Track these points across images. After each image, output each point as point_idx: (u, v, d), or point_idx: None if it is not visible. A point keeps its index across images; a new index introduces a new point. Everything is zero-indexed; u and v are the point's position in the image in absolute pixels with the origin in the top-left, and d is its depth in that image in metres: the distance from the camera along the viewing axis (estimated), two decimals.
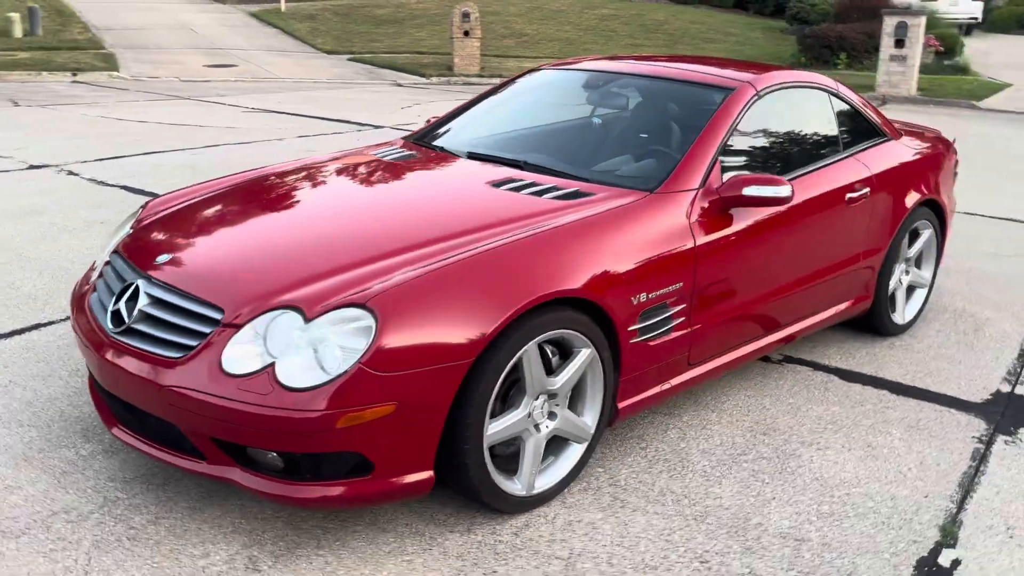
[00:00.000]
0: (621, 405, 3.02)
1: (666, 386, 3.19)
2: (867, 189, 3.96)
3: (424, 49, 21.01)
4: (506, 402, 2.70)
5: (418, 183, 3.37)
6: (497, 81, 17.25)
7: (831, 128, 4.03)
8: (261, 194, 3.29)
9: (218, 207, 3.17)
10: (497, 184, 3.23)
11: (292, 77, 16.65)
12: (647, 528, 2.73)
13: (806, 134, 3.93)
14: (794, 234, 3.57)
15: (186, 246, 2.86)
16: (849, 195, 3.86)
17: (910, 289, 4.59)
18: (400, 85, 16.50)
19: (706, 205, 3.21)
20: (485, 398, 2.50)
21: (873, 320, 4.34)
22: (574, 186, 3.20)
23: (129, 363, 2.56)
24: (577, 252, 2.76)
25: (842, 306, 4.05)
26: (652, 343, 3.03)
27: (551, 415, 2.79)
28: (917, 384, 3.91)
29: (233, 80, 15.97)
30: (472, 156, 3.60)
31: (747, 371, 3.95)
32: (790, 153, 3.79)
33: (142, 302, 2.65)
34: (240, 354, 2.40)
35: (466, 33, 17.56)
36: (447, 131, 4.00)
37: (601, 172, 3.40)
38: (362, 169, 3.52)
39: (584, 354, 2.79)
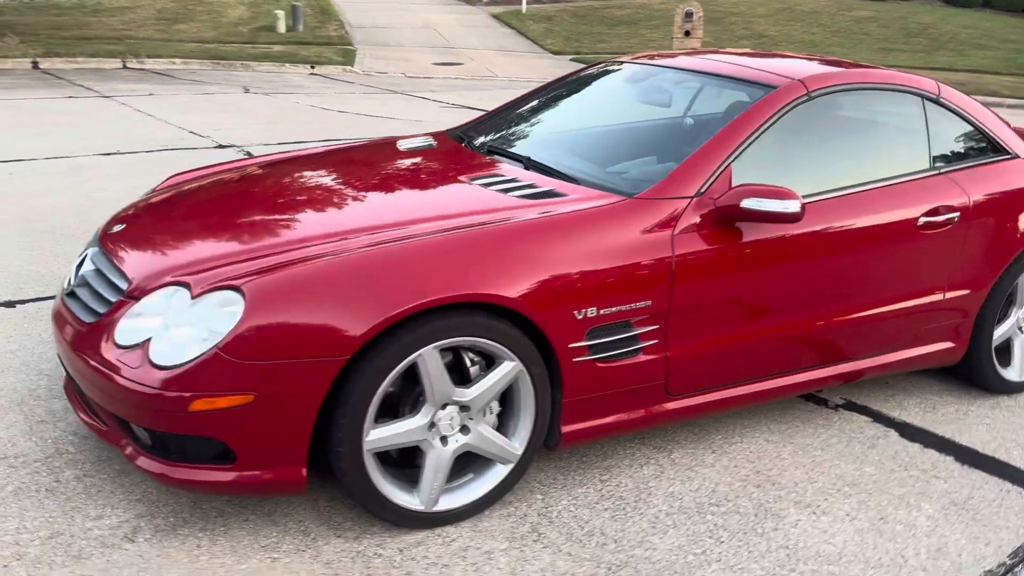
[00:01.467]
0: (565, 430, 2.74)
1: (633, 416, 2.85)
2: (955, 215, 3.31)
3: (650, 50, 20.65)
4: (415, 408, 2.53)
5: (395, 174, 3.26)
6: None
7: (919, 140, 3.40)
8: (252, 176, 3.32)
9: (205, 186, 3.25)
10: (474, 178, 3.04)
11: (509, 76, 17.03)
12: (546, 569, 2.45)
13: (876, 144, 3.35)
14: (825, 258, 3.05)
15: (144, 221, 2.96)
16: (925, 219, 3.24)
17: None
18: None
19: (699, 218, 2.83)
20: (363, 400, 2.35)
21: (970, 373, 3.64)
22: (553, 185, 2.94)
23: (61, 324, 2.68)
24: (505, 254, 2.52)
25: (915, 351, 3.42)
26: (607, 364, 2.71)
27: (464, 429, 2.58)
28: (998, 455, 3.22)
29: (453, 78, 16.60)
30: (491, 150, 3.43)
31: (785, 412, 3.45)
32: (844, 165, 3.23)
33: (85, 267, 2.78)
34: (130, 326, 2.43)
35: (687, 33, 17.04)
36: (492, 123, 3.84)
37: (598, 173, 3.09)
38: (360, 157, 3.46)
39: (506, 367, 2.55)
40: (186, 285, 2.43)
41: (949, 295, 3.40)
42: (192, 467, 2.38)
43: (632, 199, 2.81)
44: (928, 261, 3.30)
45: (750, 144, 2.99)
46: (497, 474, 2.66)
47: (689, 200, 2.84)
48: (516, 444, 2.65)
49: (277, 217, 2.83)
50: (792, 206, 2.77)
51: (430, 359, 2.42)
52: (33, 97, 10.81)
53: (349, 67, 16.74)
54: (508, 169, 3.13)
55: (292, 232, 2.63)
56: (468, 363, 2.57)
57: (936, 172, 3.37)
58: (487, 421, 2.64)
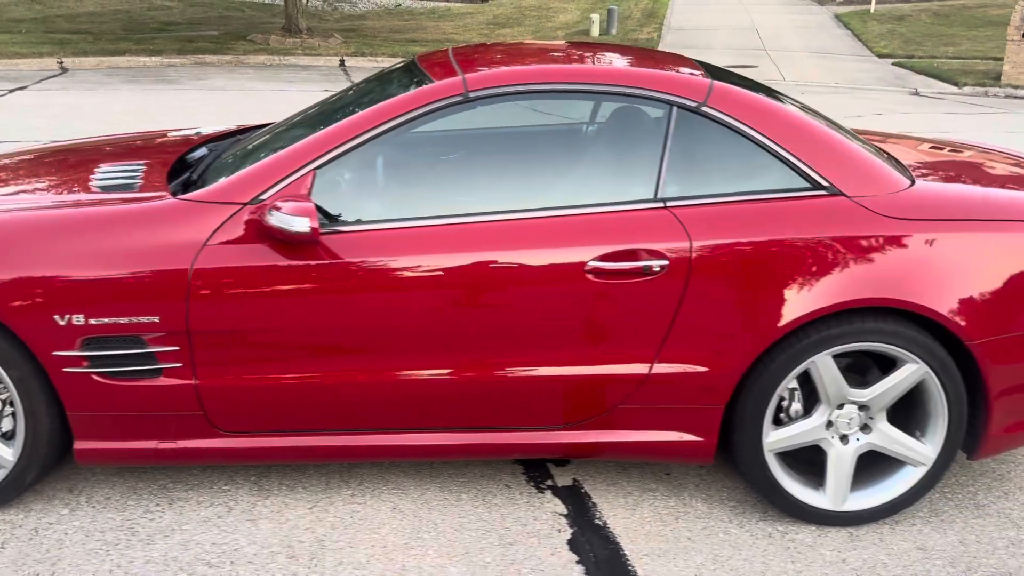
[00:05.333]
0: (78, 446, 2.53)
1: (171, 445, 2.54)
2: (659, 263, 2.42)
3: (999, 55, 17.53)
4: None
5: (79, 156, 3.13)
6: None
7: (644, 161, 2.53)
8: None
9: None
10: (103, 167, 2.89)
11: (797, 80, 15.55)
12: None
13: (565, 163, 2.55)
14: (422, 298, 2.41)
15: None
16: (598, 264, 2.42)
17: (879, 460, 2.65)
18: (916, 94, 14.14)
19: (243, 230, 2.41)
20: None
21: (748, 483, 2.66)
22: (143, 182, 2.70)
23: None
24: None
25: (615, 436, 2.58)
26: (116, 382, 2.45)
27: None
28: None
29: None
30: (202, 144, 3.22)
31: (472, 482, 2.82)
32: (500, 187, 2.52)
33: None
34: None
35: None
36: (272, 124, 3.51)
37: (211, 172, 2.75)
38: (108, 144, 3.41)
39: None
40: None
41: (662, 369, 2.50)
42: None
43: (175, 201, 2.49)
44: (612, 319, 2.46)
45: (352, 149, 2.47)
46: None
47: (240, 208, 2.44)
48: (10, 449, 2.52)
49: None
50: (295, 224, 2.26)
51: None
52: (295, 89, 12.24)
53: None
54: (152, 162, 2.92)
55: None
56: None
57: (658, 205, 2.49)
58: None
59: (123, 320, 2.41)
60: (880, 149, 2.96)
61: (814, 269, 2.45)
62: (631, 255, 2.44)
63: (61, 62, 14.14)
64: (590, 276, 2.43)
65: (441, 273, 2.42)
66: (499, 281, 2.44)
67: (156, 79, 12.83)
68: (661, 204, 2.49)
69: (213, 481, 2.79)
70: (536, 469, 2.92)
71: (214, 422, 2.52)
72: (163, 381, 2.47)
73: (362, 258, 2.41)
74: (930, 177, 2.80)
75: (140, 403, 2.49)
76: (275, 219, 2.32)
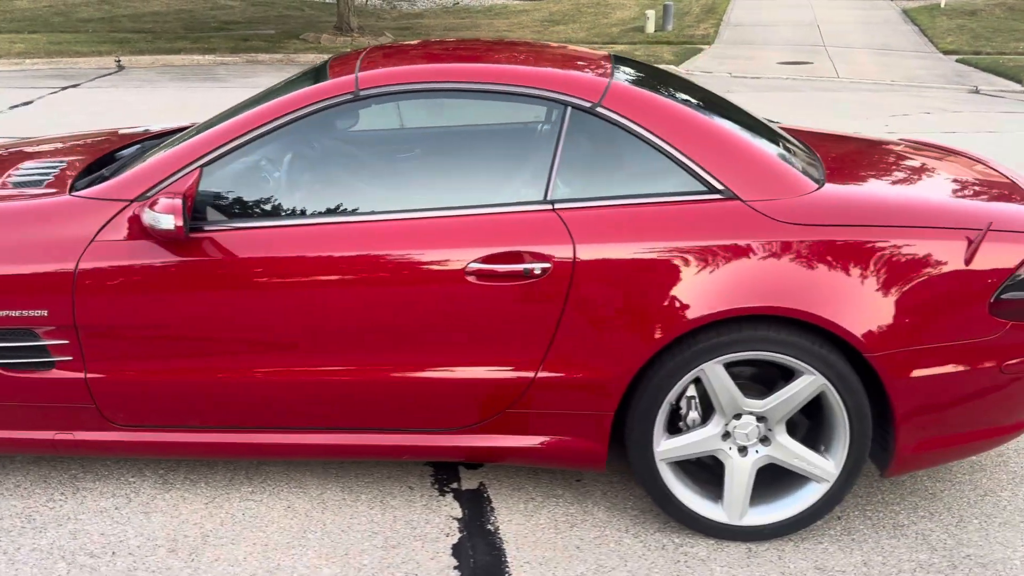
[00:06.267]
0: None
1: (64, 437, 2.59)
2: (541, 266, 2.36)
3: None
4: None
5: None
6: None
7: (535, 162, 2.47)
8: None
9: None
10: (28, 162, 2.96)
11: (854, 77, 15.09)
12: None
13: (449, 164, 2.50)
14: (302, 297, 2.40)
15: None
16: (479, 266, 2.37)
17: (786, 474, 2.53)
18: (976, 92, 13.57)
19: (127, 226, 2.45)
20: None
21: (647, 493, 2.58)
22: (52, 178, 2.75)
23: None
24: None
25: (503, 441, 2.53)
26: (9, 373, 2.52)
27: None
28: None
29: (783, 77, 15.22)
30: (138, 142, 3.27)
31: (377, 484, 2.80)
32: (383, 187, 2.50)
33: None
34: None
35: None
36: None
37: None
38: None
39: None
40: None
41: (547, 374, 2.44)
42: None
43: (68, 198, 2.54)
44: (495, 321, 2.40)
45: (240, 146, 2.48)
46: None
47: (127, 204, 2.47)
48: None
49: None
50: (160, 221, 2.28)
51: None
52: None
53: (674, 67, 16.26)
54: (75, 159, 2.98)
55: None
56: None
57: (547, 208, 2.42)
58: None
59: (14, 313, 2.47)
60: (805, 150, 2.83)
61: (702, 275, 2.35)
62: (514, 257, 2.38)
63: (119, 60, 14.63)
64: (471, 278, 2.39)
65: (320, 274, 2.41)
66: (380, 281, 2.41)
67: (204, 77, 13.16)
68: (549, 206, 2.43)
69: (122, 472, 2.84)
70: (445, 472, 2.89)
71: (106, 415, 2.57)
72: (55, 374, 2.53)
73: (239, 256, 2.41)
74: (844, 182, 2.66)
75: (36, 394, 2.55)
76: (147, 216, 2.34)
